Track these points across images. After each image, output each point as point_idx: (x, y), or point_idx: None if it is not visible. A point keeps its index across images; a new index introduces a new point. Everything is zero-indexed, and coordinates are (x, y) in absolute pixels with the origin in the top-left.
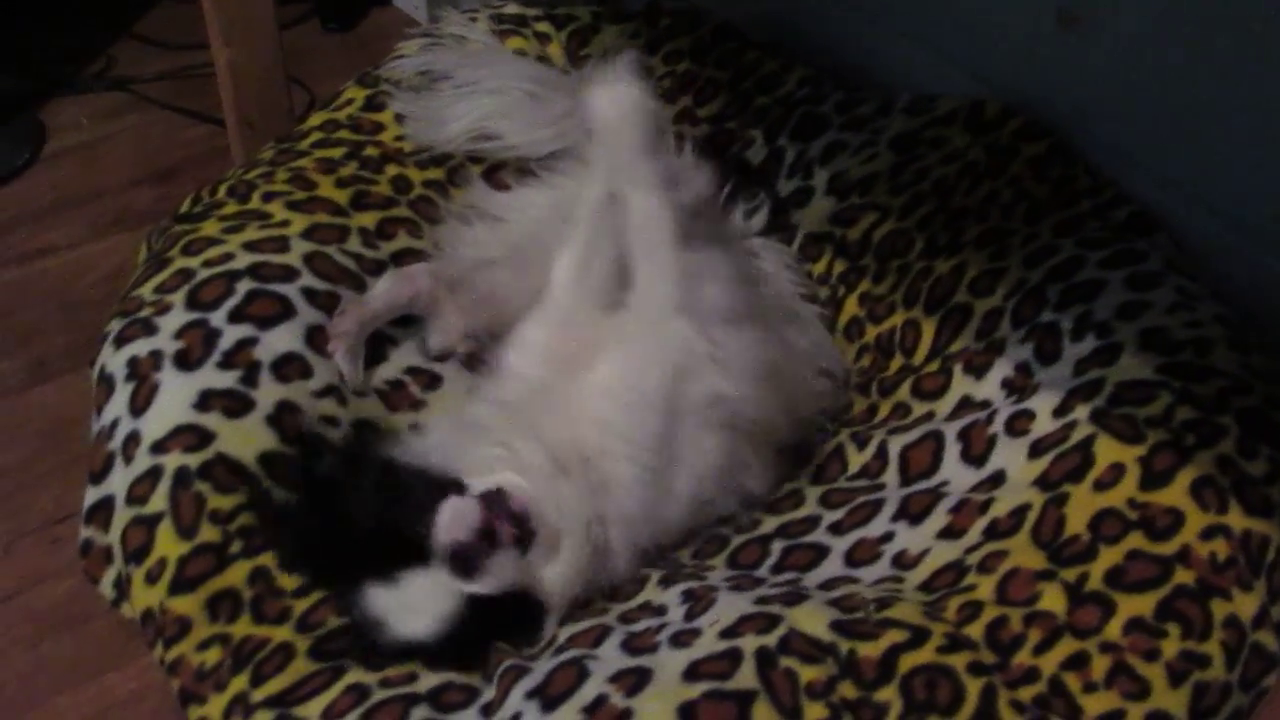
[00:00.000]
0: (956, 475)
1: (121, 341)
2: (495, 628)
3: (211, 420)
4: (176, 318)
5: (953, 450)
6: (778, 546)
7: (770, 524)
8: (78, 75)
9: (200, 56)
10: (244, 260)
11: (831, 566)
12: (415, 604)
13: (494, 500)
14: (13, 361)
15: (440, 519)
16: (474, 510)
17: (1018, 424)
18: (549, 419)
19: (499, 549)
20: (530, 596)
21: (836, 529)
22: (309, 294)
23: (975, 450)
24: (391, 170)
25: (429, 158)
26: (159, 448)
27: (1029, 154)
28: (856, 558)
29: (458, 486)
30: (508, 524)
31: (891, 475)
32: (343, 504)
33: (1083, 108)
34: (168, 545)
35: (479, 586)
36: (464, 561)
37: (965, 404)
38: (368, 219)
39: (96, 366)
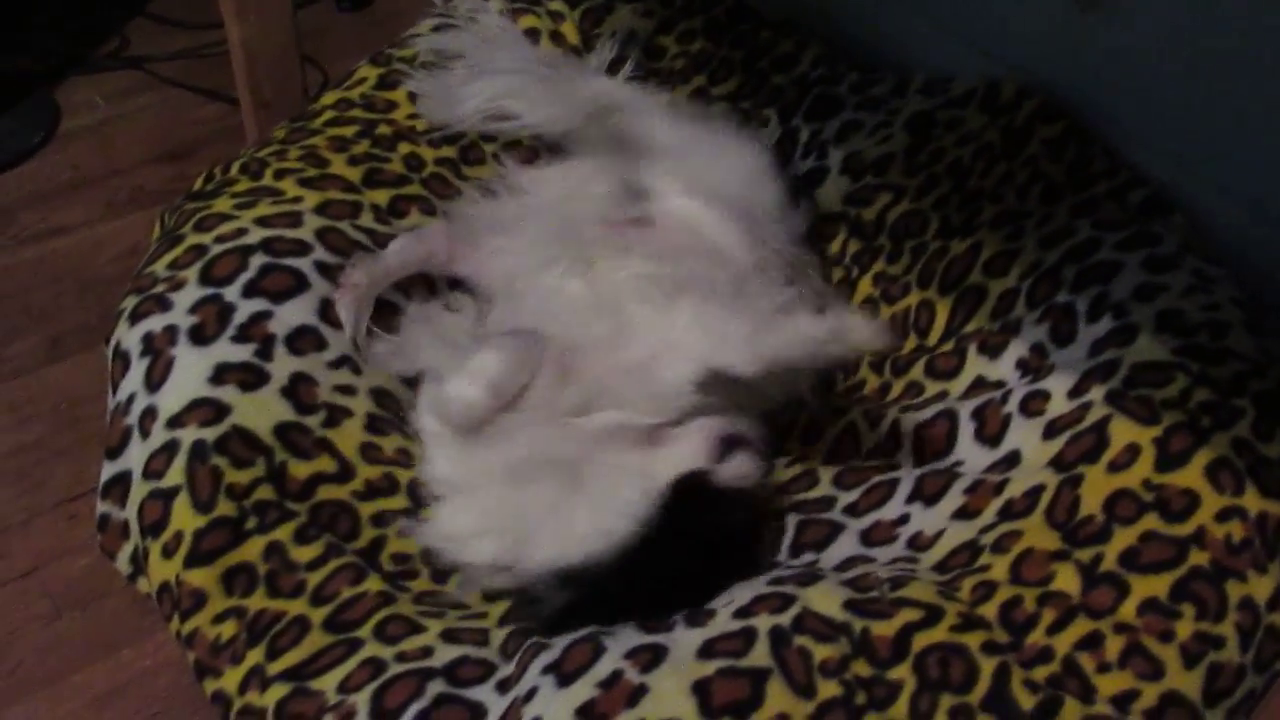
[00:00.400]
0: (971, 455)
1: (136, 318)
2: None
3: (227, 394)
4: (191, 293)
5: (967, 429)
6: (791, 521)
7: (783, 505)
8: (92, 55)
9: (214, 35)
10: (257, 235)
11: (847, 544)
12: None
13: (727, 442)
14: (28, 340)
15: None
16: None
17: (1032, 404)
18: None
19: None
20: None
21: (853, 511)
22: (322, 268)
23: (990, 430)
24: (404, 148)
25: (441, 136)
26: (175, 422)
27: (1045, 135)
28: (873, 538)
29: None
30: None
31: (906, 455)
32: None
33: (1100, 89)
34: (184, 519)
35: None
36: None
37: (979, 384)
38: (380, 196)
39: (112, 343)
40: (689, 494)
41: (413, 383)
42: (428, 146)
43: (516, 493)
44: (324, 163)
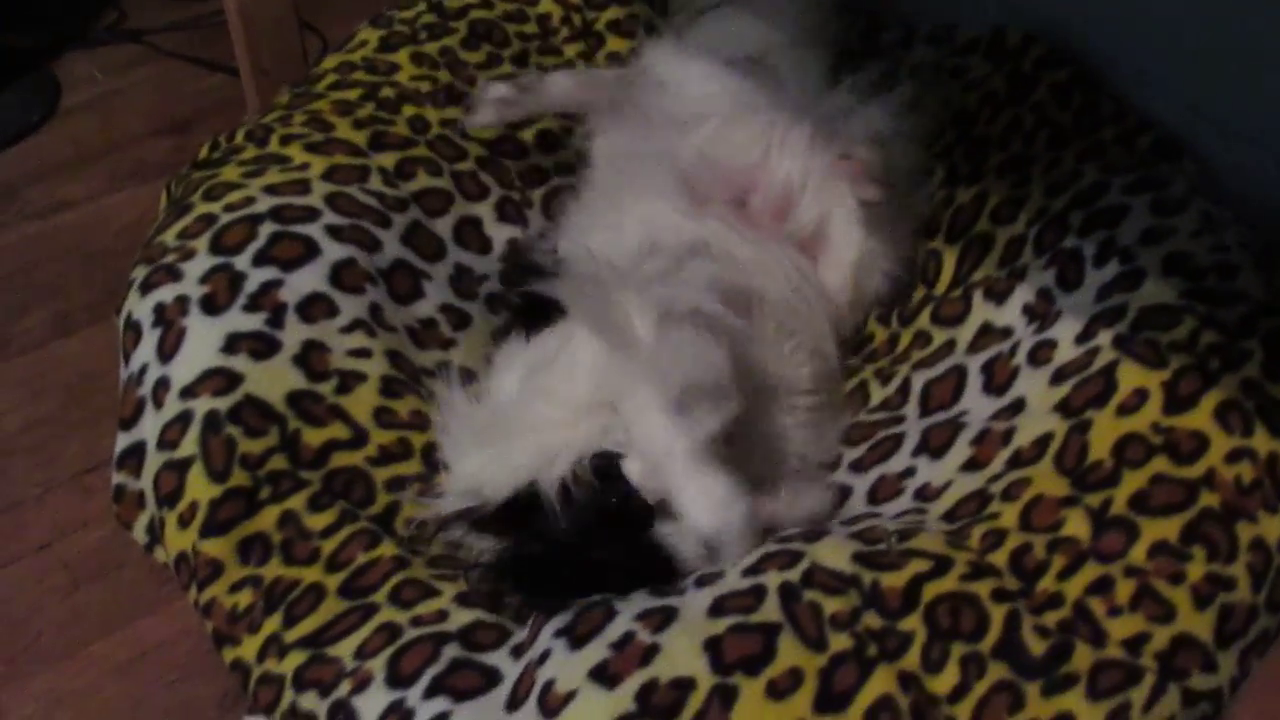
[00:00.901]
0: (976, 405)
1: (147, 288)
2: None
3: (239, 363)
4: (201, 263)
5: (975, 383)
6: None
7: None
8: (89, 29)
9: (212, 5)
10: (266, 204)
11: (854, 506)
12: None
13: None
14: (36, 316)
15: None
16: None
17: (1040, 354)
18: None
19: None
20: None
21: (858, 466)
22: (333, 231)
23: (998, 382)
24: (408, 110)
25: (445, 97)
26: (189, 392)
27: (1051, 81)
28: (879, 495)
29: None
30: None
31: (912, 408)
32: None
33: (1106, 35)
34: (199, 489)
35: None
36: None
37: (986, 331)
38: (387, 159)
39: (122, 314)
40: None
41: None
42: (431, 108)
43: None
44: (329, 127)
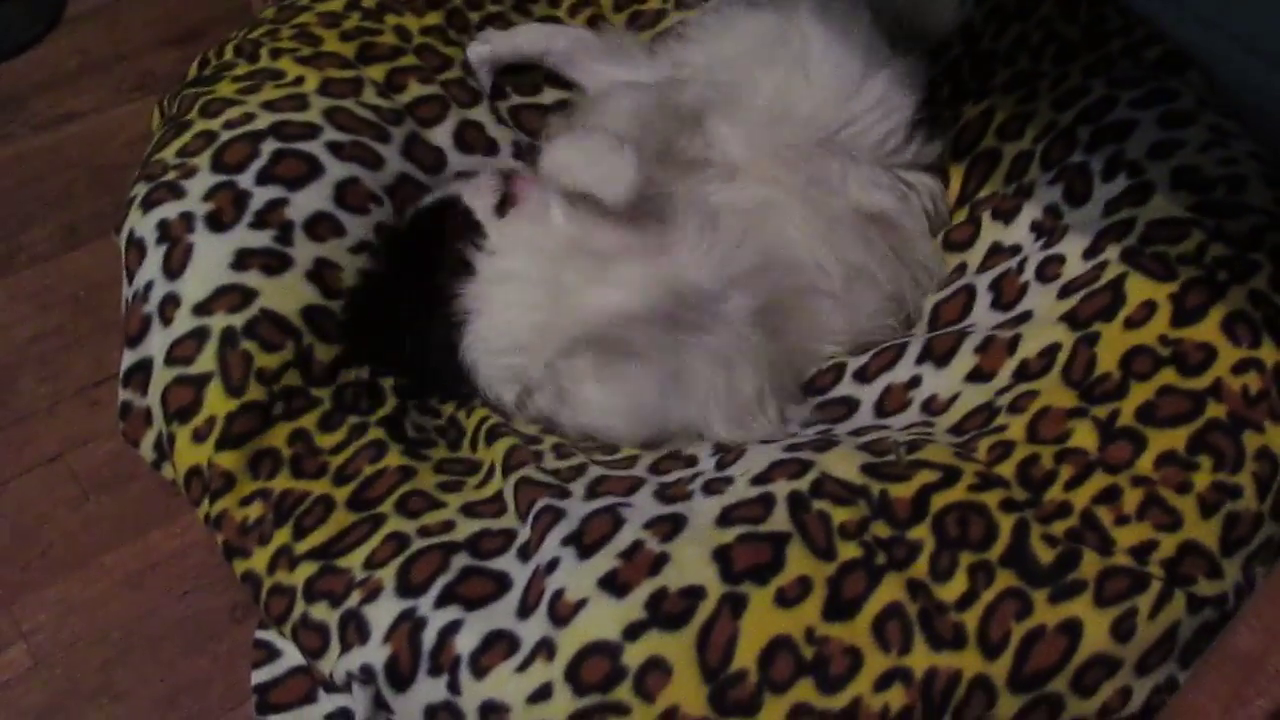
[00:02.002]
0: (983, 319)
1: (149, 205)
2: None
3: (251, 278)
4: (203, 180)
5: (984, 300)
6: (809, 402)
7: None
8: None
9: None
10: (265, 120)
11: (862, 418)
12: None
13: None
14: (44, 228)
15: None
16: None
17: (1048, 269)
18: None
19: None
20: None
21: (862, 375)
22: (334, 148)
23: (1006, 298)
24: (391, 20)
25: (425, 3)
26: (202, 309)
27: None
28: (887, 407)
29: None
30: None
31: (921, 327)
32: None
33: None
34: (217, 403)
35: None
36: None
37: (995, 250)
38: (376, 71)
39: (124, 231)
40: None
41: None
42: (412, 16)
43: None
44: (317, 40)
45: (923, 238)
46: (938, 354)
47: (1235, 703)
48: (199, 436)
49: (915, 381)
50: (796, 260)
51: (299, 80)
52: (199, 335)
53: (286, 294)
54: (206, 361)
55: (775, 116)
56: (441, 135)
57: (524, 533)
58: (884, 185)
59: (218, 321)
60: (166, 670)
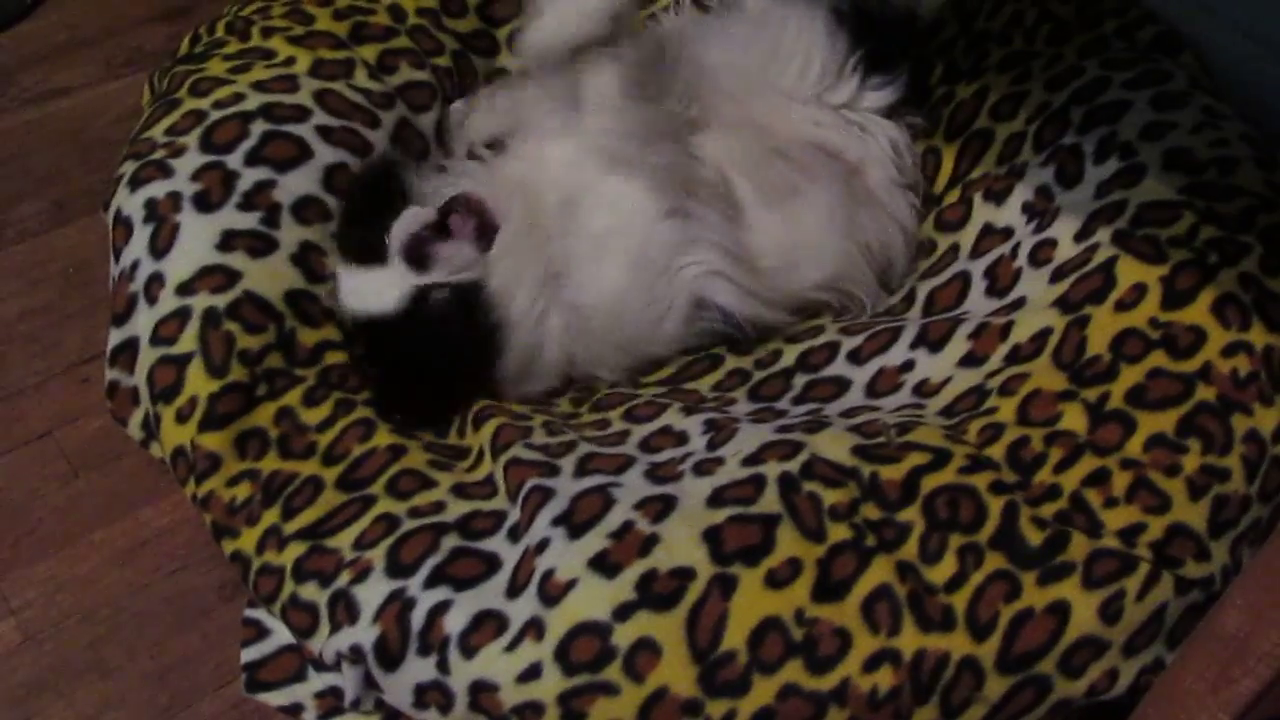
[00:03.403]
0: (978, 305)
1: (137, 183)
2: (452, 329)
3: (237, 260)
4: (192, 159)
5: (979, 287)
6: (800, 381)
7: (790, 354)
8: None
9: None
10: (255, 101)
11: (853, 398)
12: (374, 288)
13: (453, 202)
14: (34, 203)
15: (399, 221)
16: (428, 212)
17: (1040, 253)
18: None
19: (452, 239)
20: (485, 299)
21: (855, 357)
22: (324, 132)
23: (1001, 284)
24: None
25: None
26: (186, 289)
27: None
28: (878, 389)
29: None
30: (465, 216)
31: (916, 312)
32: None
33: None
34: (199, 384)
35: (432, 276)
36: (415, 252)
37: (987, 232)
38: (369, 52)
39: (111, 209)
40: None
41: None
42: None
43: None
44: (309, 19)
45: (893, 186)
46: (932, 339)
47: (1221, 683)
48: (182, 417)
49: (908, 365)
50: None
51: (290, 60)
52: (182, 315)
53: (270, 277)
54: (188, 341)
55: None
56: (426, 123)
57: (514, 514)
58: (827, 123)
59: (200, 301)
60: (155, 647)
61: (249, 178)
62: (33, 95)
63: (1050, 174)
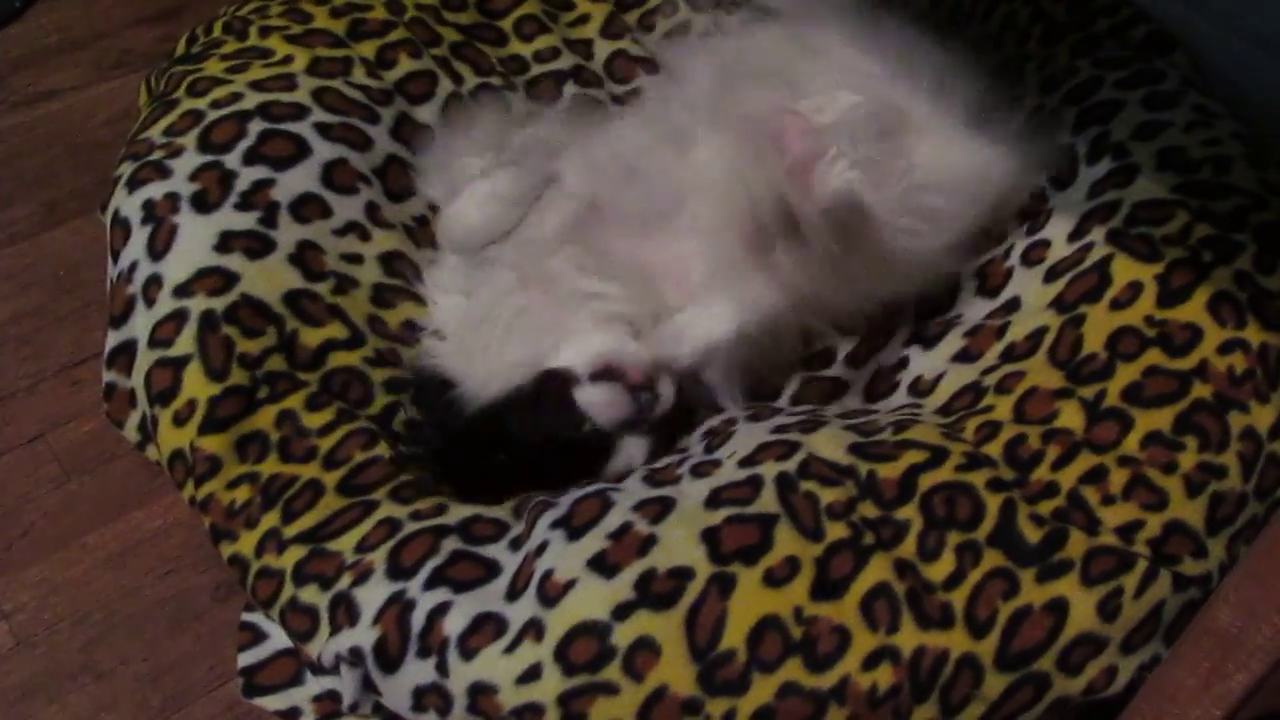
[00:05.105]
0: (971, 308)
1: (134, 184)
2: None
3: (234, 261)
4: (190, 160)
5: (969, 287)
6: (796, 378)
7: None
8: None
9: None
10: (253, 100)
11: (849, 402)
12: (636, 462)
13: (608, 373)
14: (24, 206)
15: (594, 412)
16: (615, 393)
17: (1033, 253)
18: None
19: (643, 394)
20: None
21: (854, 360)
22: (322, 129)
23: (992, 284)
24: None
25: None
26: (183, 291)
27: None
28: (875, 390)
29: (566, 379)
30: (633, 377)
31: (908, 312)
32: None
33: None
34: (197, 387)
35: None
36: (634, 424)
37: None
38: (367, 49)
39: (109, 210)
40: (548, 387)
41: None
42: None
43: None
44: (307, 17)
45: None
46: (926, 337)
47: (1214, 678)
48: (179, 419)
49: (903, 363)
50: None
51: (287, 59)
52: (179, 317)
53: (268, 279)
54: (186, 344)
55: None
56: (429, 113)
57: (517, 527)
58: None
59: (197, 304)
60: (149, 650)
61: (247, 177)
62: (23, 98)
63: (1044, 178)
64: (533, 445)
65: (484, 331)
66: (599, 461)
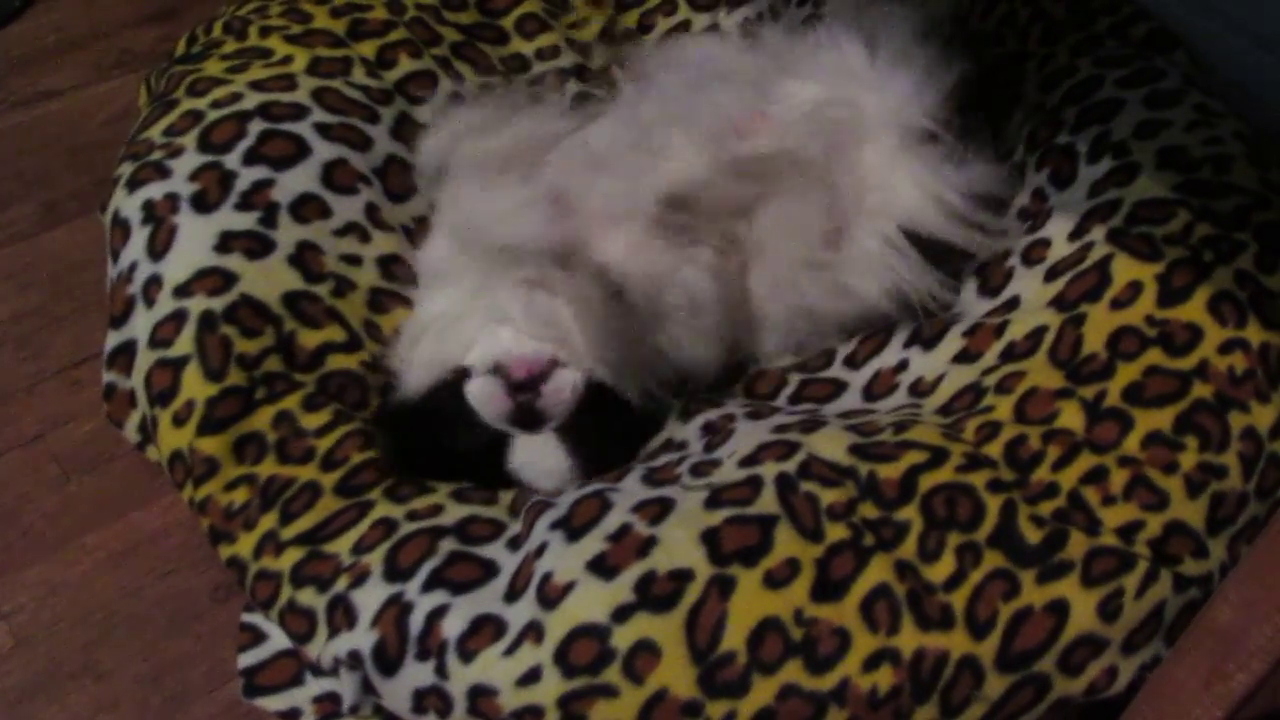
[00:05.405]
0: (971, 305)
1: (134, 185)
2: (609, 427)
3: (234, 262)
4: (190, 160)
5: (969, 285)
6: (795, 378)
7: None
8: None
9: None
10: (253, 100)
11: (848, 401)
12: (540, 464)
13: (495, 369)
14: (23, 206)
15: (476, 407)
16: (495, 389)
17: (1034, 253)
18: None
19: (543, 387)
20: (605, 392)
21: (852, 362)
22: (322, 129)
23: (993, 283)
24: None
25: None
26: (183, 291)
27: None
28: (874, 391)
29: (461, 375)
30: (515, 374)
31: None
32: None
33: None
34: (195, 388)
35: (558, 420)
36: (528, 420)
37: None
38: (367, 48)
39: (109, 211)
40: (452, 385)
41: None
42: None
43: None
44: (307, 17)
45: None
46: (926, 337)
47: (1215, 677)
48: (179, 420)
49: (903, 365)
50: None
51: (287, 59)
52: (178, 317)
53: (267, 279)
54: (184, 344)
55: None
56: (430, 113)
57: (515, 526)
58: None
59: (196, 304)
60: (149, 650)
61: (247, 177)
62: (22, 98)
63: (1044, 177)
64: (439, 440)
65: (427, 331)
66: (496, 460)
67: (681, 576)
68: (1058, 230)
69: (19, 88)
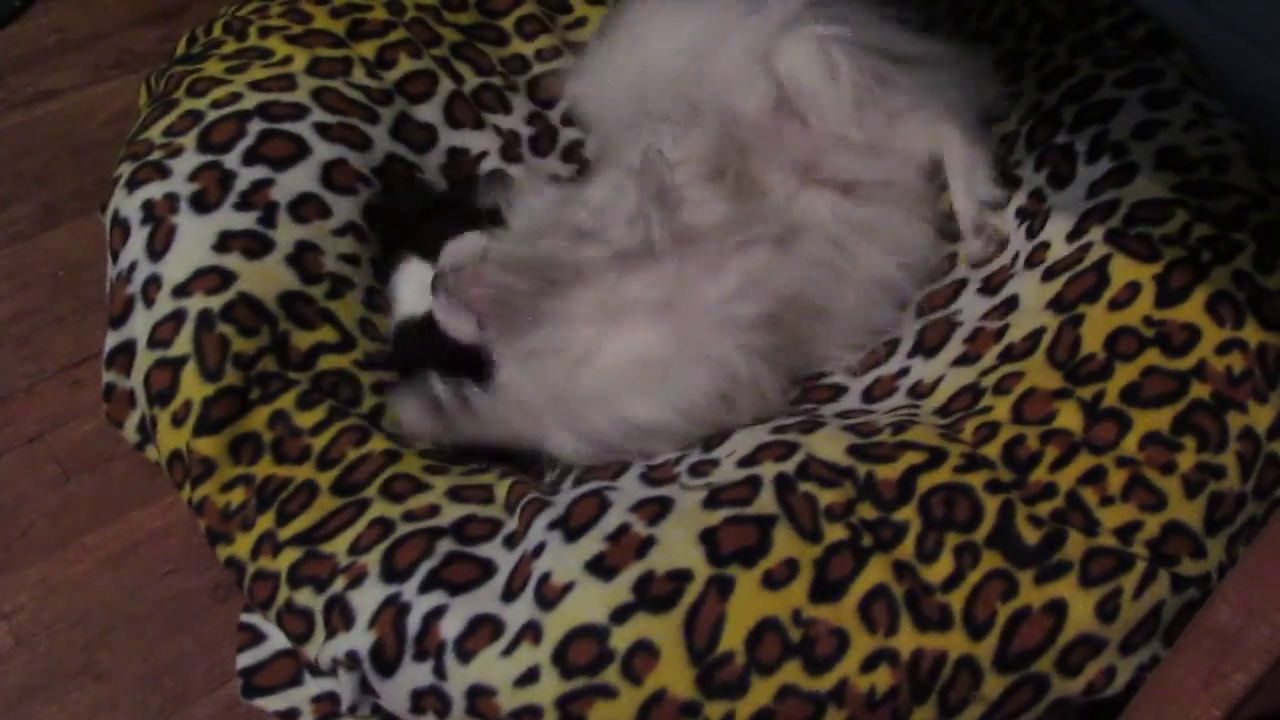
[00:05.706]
0: (971, 304)
1: (134, 185)
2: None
3: (232, 261)
4: (189, 160)
5: (973, 286)
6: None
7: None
8: None
9: None
10: (252, 100)
11: (848, 403)
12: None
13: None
14: (23, 206)
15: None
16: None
17: (1034, 256)
18: None
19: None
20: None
21: (853, 371)
22: (321, 129)
23: (993, 284)
24: None
25: None
26: (181, 290)
27: None
28: (874, 394)
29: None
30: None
31: (909, 314)
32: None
33: None
34: (193, 388)
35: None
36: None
37: None
38: (367, 49)
39: (109, 211)
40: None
41: None
42: None
43: None
44: (307, 17)
45: None
46: (928, 346)
47: (1213, 677)
48: (177, 420)
49: (904, 372)
50: None
51: (287, 59)
52: (177, 317)
53: (265, 278)
54: (183, 344)
55: None
56: (431, 111)
57: (511, 523)
58: None
59: (195, 303)
60: (149, 650)
61: (246, 177)
62: (22, 98)
63: (1043, 177)
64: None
65: None
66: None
67: (680, 577)
68: (1056, 231)
69: (19, 88)
